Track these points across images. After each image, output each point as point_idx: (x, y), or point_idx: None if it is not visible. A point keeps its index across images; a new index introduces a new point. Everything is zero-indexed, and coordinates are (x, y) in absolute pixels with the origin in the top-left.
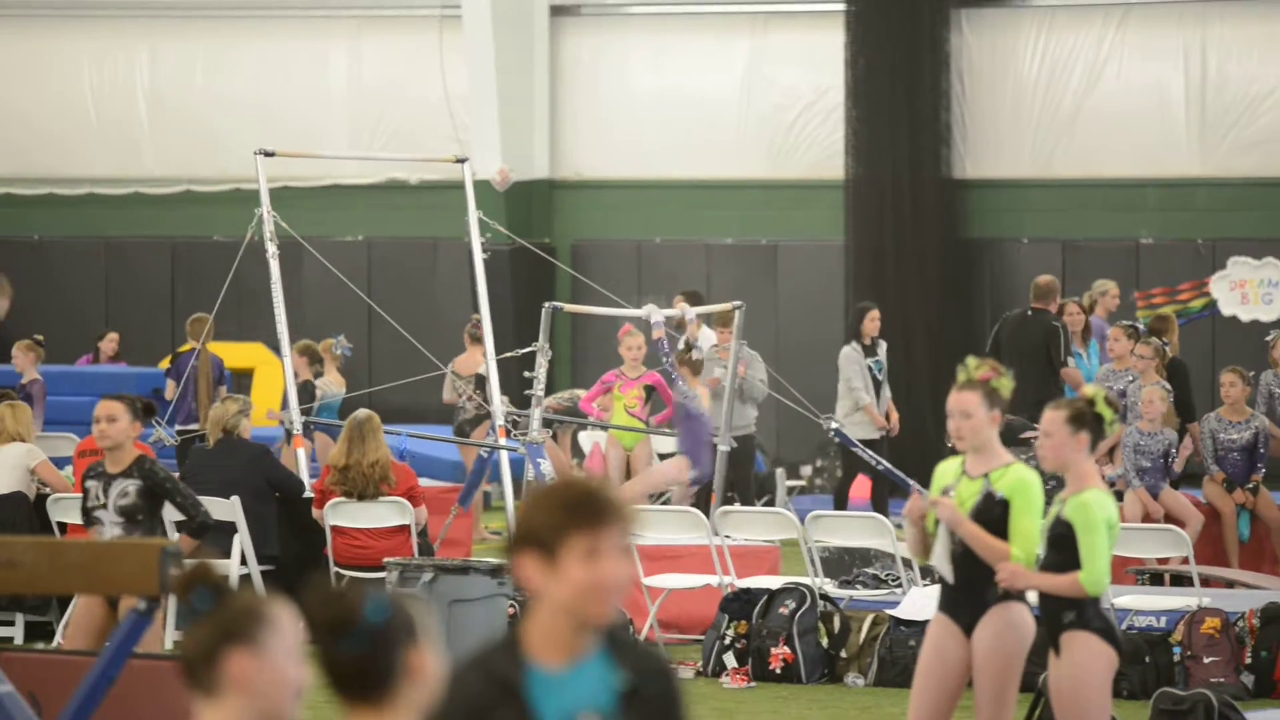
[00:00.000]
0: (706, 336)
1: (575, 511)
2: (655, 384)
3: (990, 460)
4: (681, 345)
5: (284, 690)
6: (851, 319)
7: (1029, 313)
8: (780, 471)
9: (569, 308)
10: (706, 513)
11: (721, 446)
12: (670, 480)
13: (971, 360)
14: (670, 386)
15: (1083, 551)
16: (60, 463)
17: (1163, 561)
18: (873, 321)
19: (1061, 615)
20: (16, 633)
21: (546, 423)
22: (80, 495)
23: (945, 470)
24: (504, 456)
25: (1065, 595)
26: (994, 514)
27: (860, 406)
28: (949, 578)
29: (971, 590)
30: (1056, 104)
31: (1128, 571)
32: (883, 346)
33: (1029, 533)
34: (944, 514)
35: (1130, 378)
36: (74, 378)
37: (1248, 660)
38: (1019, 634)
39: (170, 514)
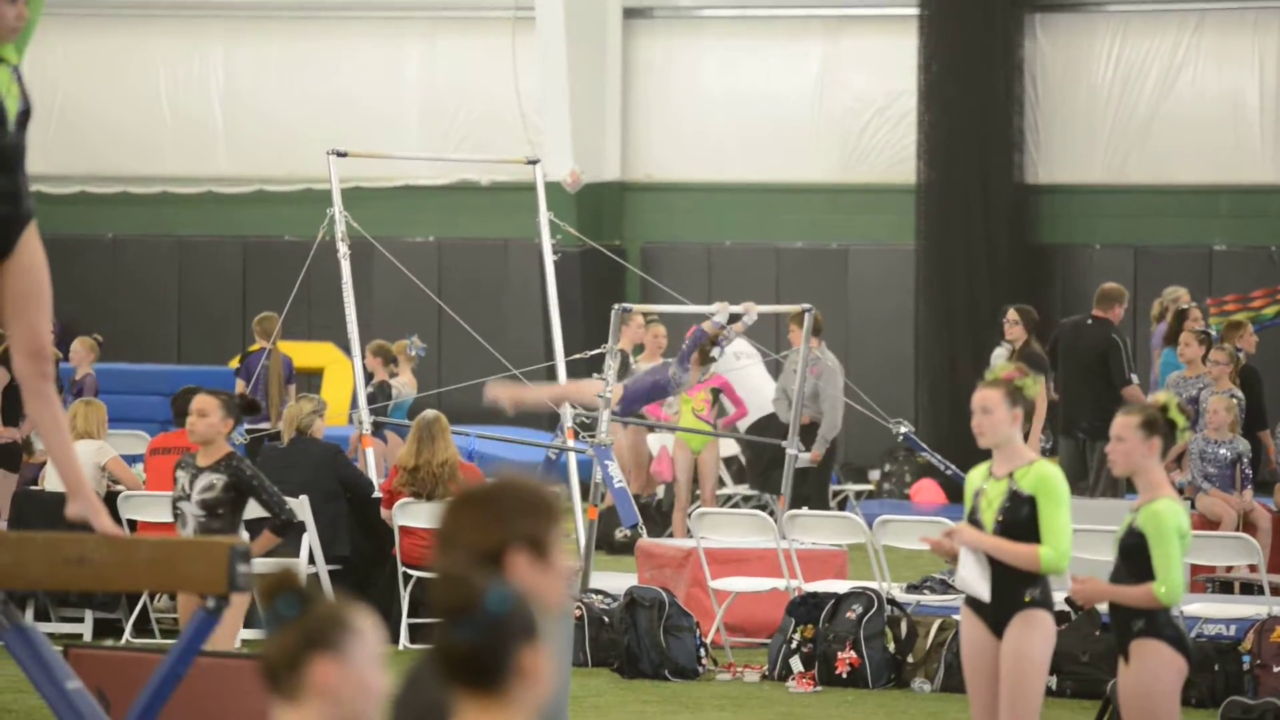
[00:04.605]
0: (742, 347)
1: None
2: (721, 386)
3: (1014, 460)
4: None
5: (366, 698)
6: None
7: (1089, 321)
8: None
9: (639, 308)
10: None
11: (796, 455)
12: (583, 398)
13: (999, 362)
14: (674, 366)
15: (1156, 562)
16: (131, 460)
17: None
18: (1015, 326)
19: (1131, 623)
20: (86, 629)
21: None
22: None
23: (975, 475)
24: (572, 458)
25: (1140, 607)
26: (1021, 513)
27: None
28: (985, 597)
29: (997, 592)
30: (1130, 110)
31: (1197, 580)
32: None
33: (1059, 528)
34: (965, 540)
35: (1202, 384)
36: (143, 376)
37: None
38: (1040, 639)
39: (250, 510)
